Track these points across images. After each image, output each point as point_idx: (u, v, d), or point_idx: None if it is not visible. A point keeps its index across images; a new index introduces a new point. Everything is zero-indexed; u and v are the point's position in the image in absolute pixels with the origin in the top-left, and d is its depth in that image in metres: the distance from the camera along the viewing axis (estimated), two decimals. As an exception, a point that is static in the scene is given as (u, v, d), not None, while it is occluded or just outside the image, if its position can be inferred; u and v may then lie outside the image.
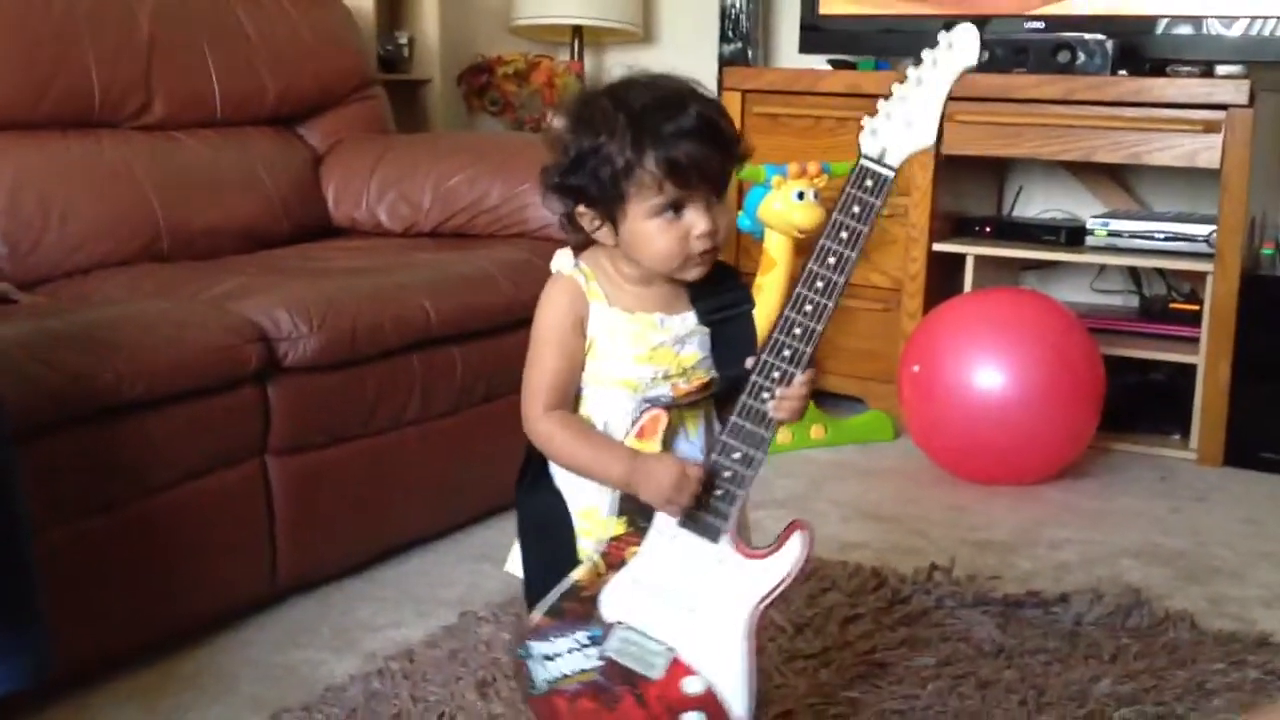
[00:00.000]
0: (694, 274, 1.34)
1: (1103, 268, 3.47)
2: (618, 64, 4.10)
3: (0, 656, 1.54)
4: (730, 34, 3.81)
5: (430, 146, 3.11)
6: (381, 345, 2.25)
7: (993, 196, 3.60)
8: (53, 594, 1.63)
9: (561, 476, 1.38)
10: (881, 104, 1.30)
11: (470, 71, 3.93)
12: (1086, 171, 3.48)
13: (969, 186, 3.44)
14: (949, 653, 1.97)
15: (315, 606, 2.15)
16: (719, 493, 1.31)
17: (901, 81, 1.30)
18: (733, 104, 3.48)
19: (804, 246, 3.18)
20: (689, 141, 1.27)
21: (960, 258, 3.23)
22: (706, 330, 1.38)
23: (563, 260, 1.38)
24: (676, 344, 1.36)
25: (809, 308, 1.30)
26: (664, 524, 1.33)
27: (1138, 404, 3.18)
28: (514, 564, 1.44)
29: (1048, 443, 2.80)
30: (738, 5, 3.79)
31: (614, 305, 1.35)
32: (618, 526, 1.34)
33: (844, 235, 1.30)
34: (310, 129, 3.05)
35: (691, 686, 1.34)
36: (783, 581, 1.33)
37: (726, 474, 1.31)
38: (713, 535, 1.32)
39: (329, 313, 2.17)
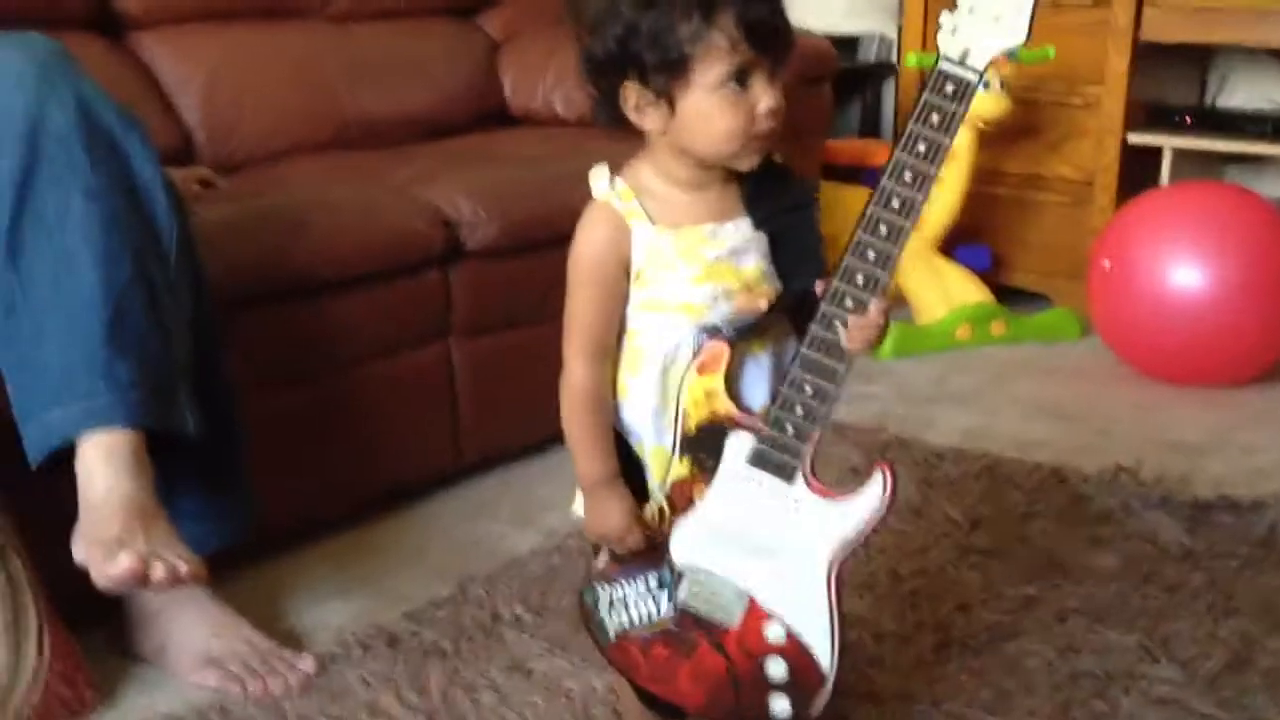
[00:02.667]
0: (750, 161, 1.22)
1: (1312, 161, 3.28)
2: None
3: (210, 516, 1.66)
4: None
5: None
6: (556, 232, 2.23)
7: (1194, 85, 3.42)
8: (257, 459, 1.74)
9: (630, 411, 1.28)
10: None
11: (649, -41, 3.88)
12: (1298, 60, 3.27)
13: (1167, 74, 3.27)
14: (1133, 553, 1.93)
15: (496, 483, 2.22)
16: (791, 429, 1.21)
17: None
18: (915, -14, 3.37)
19: (988, 138, 3.09)
20: (758, 2, 1.17)
21: (1156, 150, 3.09)
22: (765, 237, 1.25)
23: (596, 183, 1.26)
24: (733, 256, 1.24)
25: (884, 229, 1.16)
26: (734, 462, 1.24)
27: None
28: (580, 504, 1.35)
29: (1244, 343, 2.68)
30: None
31: (658, 223, 1.22)
32: (680, 468, 1.25)
33: (921, 148, 1.15)
34: (488, 19, 3.06)
35: (773, 632, 1.27)
36: (867, 523, 1.23)
37: (799, 408, 1.21)
38: (787, 475, 1.23)
39: (507, 200, 2.20)
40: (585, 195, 2.24)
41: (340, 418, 2.02)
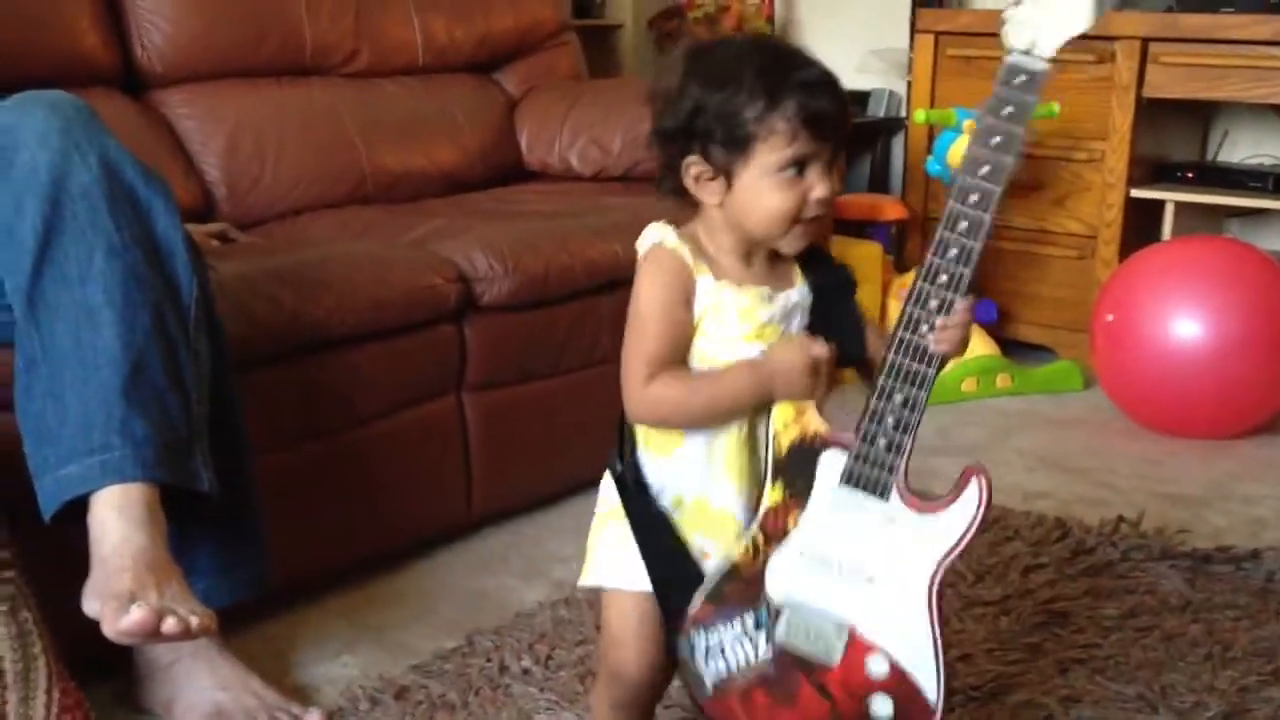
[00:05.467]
0: (796, 245, 1.26)
1: (1314, 216, 3.32)
2: (810, 6, 4.07)
3: (225, 569, 1.69)
4: (924, -27, 3.73)
5: (621, 91, 3.15)
6: (572, 286, 2.32)
7: (1196, 141, 3.47)
8: (271, 514, 1.76)
9: (673, 464, 1.29)
10: None
11: (661, 16, 3.96)
12: (1299, 116, 3.32)
13: (1171, 130, 3.32)
14: (1133, 605, 1.95)
15: (507, 536, 2.25)
16: (883, 443, 1.20)
17: None
18: (925, 46, 3.44)
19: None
20: (824, 94, 1.21)
21: (1159, 204, 3.13)
22: (808, 306, 1.29)
23: (661, 233, 1.28)
24: (784, 320, 1.28)
25: (964, 224, 1.16)
26: (828, 482, 1.22)
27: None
28: (596, 574, 1.34)
29: (1245, 396, 2.71)
30: (934, -55, 3.71)
31: (721, 279, 1.26)
32: (773, 495, 1.24)
33: (997, 139, 1.15)
34: (506, 75, 3.12)
35: (876, 666, 1.23)
36: (965, 535, 1.20)
37: (890, 420, 1.19)
38: (882, 491, 1.20)
39: (523, 255, 2.24)
40: (601, 249, 2.33)
41: (353, 472, 2.05)
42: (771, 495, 1.24)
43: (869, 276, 3.20)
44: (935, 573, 1.21)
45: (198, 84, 2.56)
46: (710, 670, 1.27)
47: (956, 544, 1.21)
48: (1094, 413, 2.94)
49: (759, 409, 1.26)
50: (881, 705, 1.24)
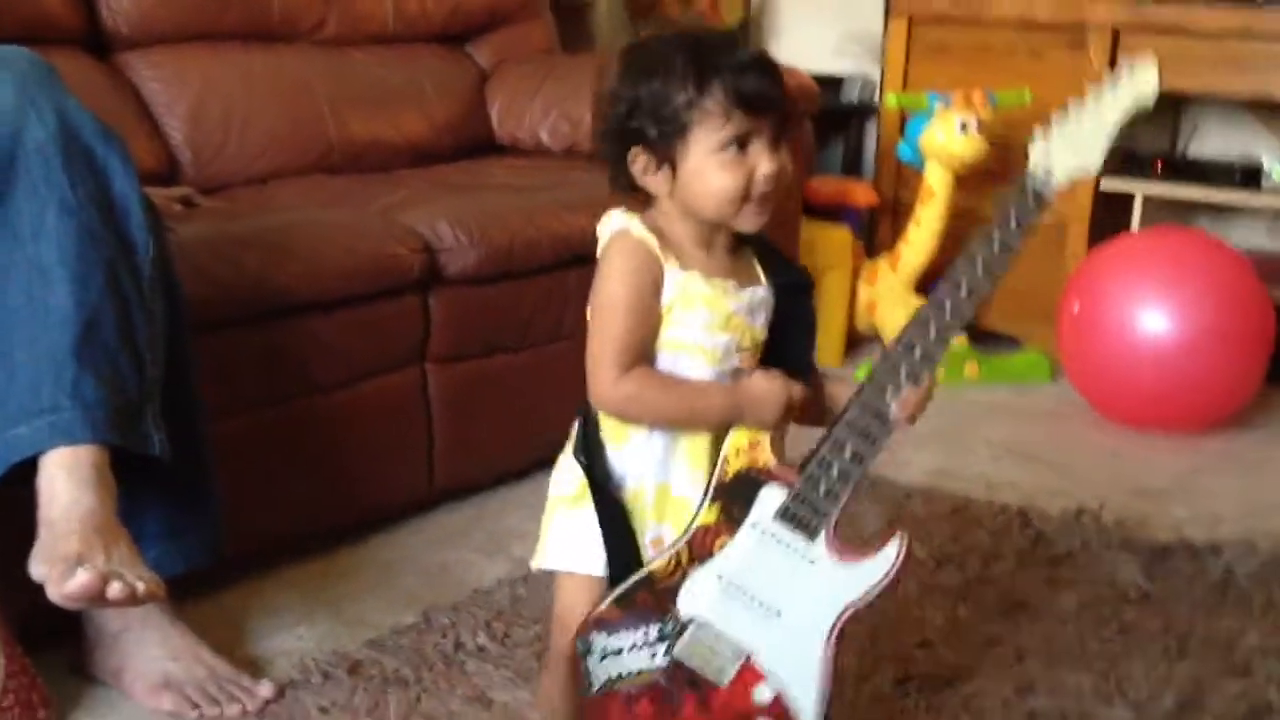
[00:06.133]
0: (752, 223, 1.27)
1: (1281, 212, 3.33)
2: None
3: (176, 535, 1.66)
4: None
5: (594, 67, 3.12)
6: (538, 261, 2.30)
7: (1166, 133, 3.47)
8: (227, 481, 1.74)
9: (630, 452, 1.30)
10: (1052, 123, 1.27)
11: (636, -7, 3.93)
12: (1267, 111, 3.32)
13: (1141, 122, 3.31)
14: (1091, 595, 1.95)
15: (469, 511, 2.23)
16: (823, 489, 1.23)
17: (1077, 102, 1.28)
18: (899, 30, 3.43)
19: (964, 179, 3.13)
20: (753, 73, 1.24)
21: (1129, 196, 3.13)
22: (771, 305, 1.32)
23: (626, 220, 1.28)
24: (749, 314, 1.30)
25: (948, 310, 1.24)
26: (763, 515, 1.25)
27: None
28: (550, 557, 1.34)
29: (1210, 390, 2.71)
30: (912, -71, 3.69)
31: (688, 268, 1.27)
32: (708, 515, 1.26)
33: (997, 248, 1.25)
34: (478, 47, 3.09)
35: (761, 695, 1.27)
36: (874, 589, 1.25)
37: (835, 469, 1.23)
38: (811, 533, 1.25)
39: (489, 227, 2.22)
40: (566, 222, 2.29)
41: (313, 441, 2.02)
42: (705, 515, 1.26)
43: (839, 261, 3.19)
44: (839, 619, 1.26)
45: (164, 47, 2.52)
46: (601, 670, 1.29)
47: (864, 595, 1.26)
48: (1060, 404, 2.94)
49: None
50: None
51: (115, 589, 1.34)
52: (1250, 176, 3.09)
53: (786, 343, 1.33)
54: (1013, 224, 1.25)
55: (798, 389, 1.26)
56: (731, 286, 1.28)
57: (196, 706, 1.60)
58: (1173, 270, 2.74)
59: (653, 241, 1.27)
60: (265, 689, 1.64)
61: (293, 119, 2.62)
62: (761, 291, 1.31)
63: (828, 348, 3.18)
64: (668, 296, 1.27)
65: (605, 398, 1.27)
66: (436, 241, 2.16)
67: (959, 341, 3.10)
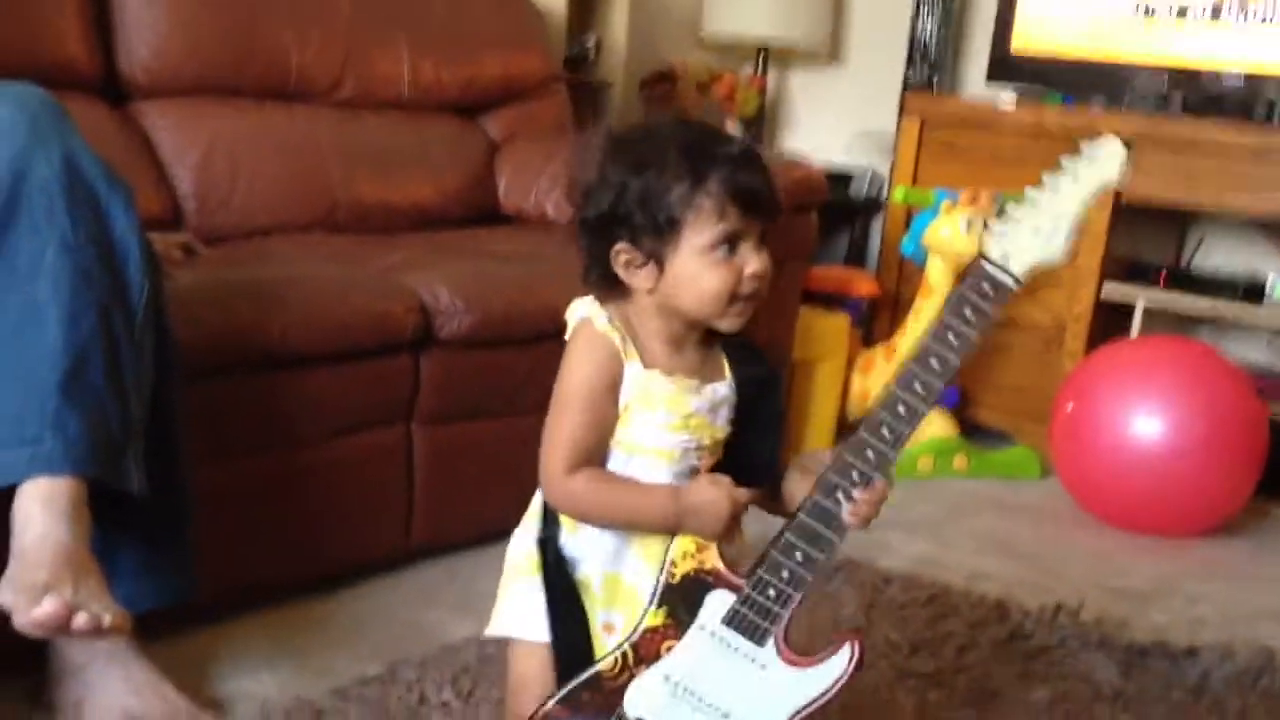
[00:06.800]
0: (734, 323, 1.26)
1: (1281, 328, 3.34)
2: (803, 83, 4.12)
3: (149, 573, 1.67)
4: (918, 59, 3.79)
5: (605, 146, 3.17)
6: (532, 330, 2.31)
7: (1172, 245, 3.50)
8: (204, 525, 1.75)
9: (582, 538, 1.29)
10: (1010, 207, 1.22)
11: (654, 78, 3.99)
12: (1275, 229, 3.35)
13: (1148, 232, 3.35)
14: (1064, 691, 1.94)
15: (443, 572, 2.23)
16: (772, 593, 1.22)
17: (1036, 187, 1.22)
18: (911, 129, 3.48)
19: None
20: (747, 167, 1.22)
21: (1129, 306, 3.15)
22: (734, 402, 1.30)
23: (591, 311, 1.27)
24: (711, 413, 1.28)
25: (901, 409, 1.20)
26: (710, 620, 1.23)
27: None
28: (503, 624, 1.35)
29: (1200, 497, 2.71)
30: (929, 31, 3.77)
31: (650, 367, 1.25)
32: (655, 617, 1.24)
33: (951, 338, 1.20)
34: (490, 120, 3.14)
35: None
36: (823, 695, 1.23)
37: (784, 573, 1.21)
38: (759, 638, 1.23)
39: (486, 293, 2.24)
40: (564, 294, 2.31)
41: (294, 492, 2.03)
42: (652, 618, 1.24)
43: (835, 349, 3.21)
44: None
45: (178, 98, 2.57)
46: None
47: (815, 700, 1.23)
48: (1048, 501, 2.93)
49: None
50: None
51: (81, 619, 1.35)
52: (1253, 291, 3.11)
53: (751, 437, 1.31)
54: (967, 314, 1.20)
55: (743, 496, 1.23)
56: (694, 385, 1.26)
57: (154, 742, 1.59)
58: (1169, 378, 2.75)
59: (615, 336, 1.25)
60: (224, 731, 1.64)
61: (299, 176, 2.65)
62: (724, 389, 1.29)
63: (819, 434, 3.19)
64: (626, 395, 1.25)
65: (552, 491, 1.27)
66: (433, 303, 2.18)
67: (950, 433, 3.11)
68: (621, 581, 1.28)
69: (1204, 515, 2.75)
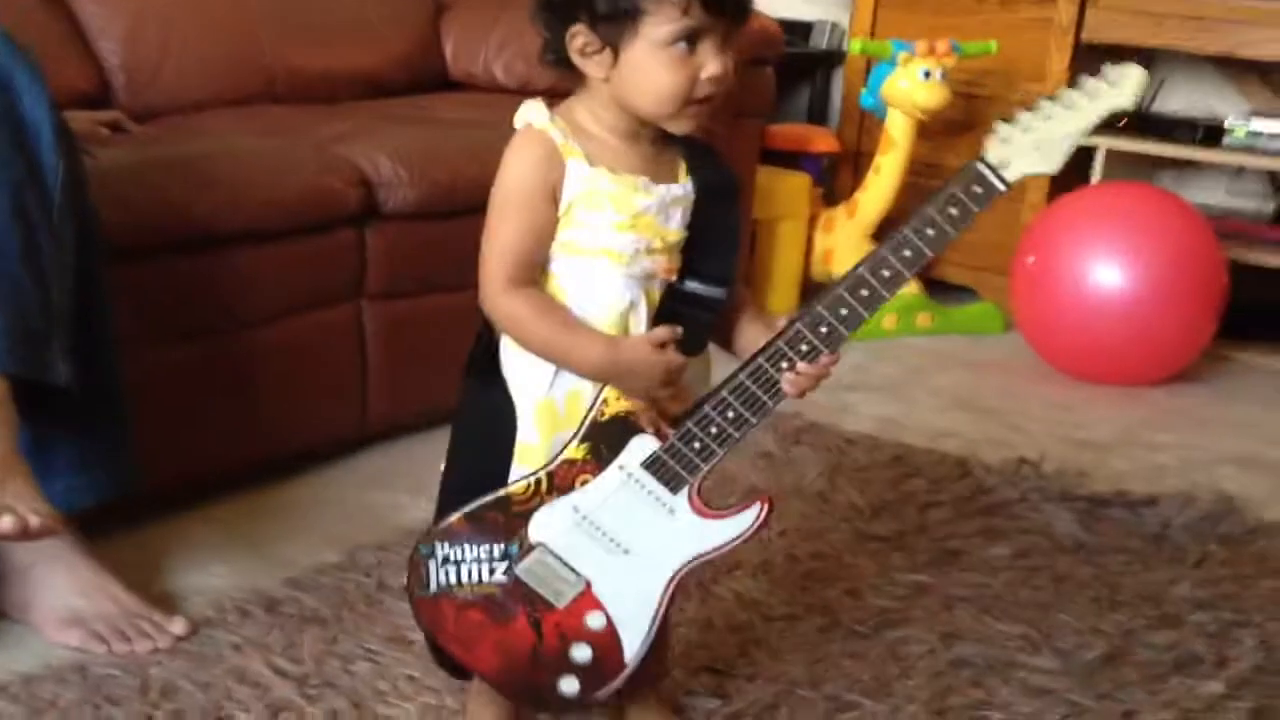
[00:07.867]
0: (686, 125, 1.21)
1: (1240, 170, 3.30)
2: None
3: (85, 468, 1.62)
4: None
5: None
6: (483, 199, 2.21)
7: (1133, 88, 3.43)
8: (146, 415, 1.70)
9: (517, 367, 1.25)
10: (1020, 114, 1.20)
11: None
12: (1235, 70, 3.28)
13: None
14: (1026, 545, 1.94)
15: (399, 454, 2.19)
16: (697, 445, 1.22)
17: (1052, 98, 1.20)
18: (867, -25, 3.37)
19: (927, 128, 3.09)
20: None
21: (1090, 150, 3.10)
22: (690, 207, 1.25)
23: (534, 112, 1.22)
24: (662, 213, 1.23)
25: (865, 292, 1.20)
26: (630, 461, 1.23)
27: (1265, 314, 3.05)
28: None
29: (1160, 344, 2.70)
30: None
31: (596, 164, 1.20)
32: (576, 451, 1.23)
33: (930, 232, 1.19)
34: (433, -21, 3.02)
35: (594, 620, 1.27)
36: (723, 546, 1.26)
37: (713, 429, 1.21)
38: (676, 486, 1.24)
39: (431, 163, 2.17)
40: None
41: (241, 375, 1.98)
42: (574, 450, 1.23)
43: (797, 209, 3.16)
44: (684, 565, 1.27)
45: (100, -35, 2.44)
46: (438, 576, 1.27)
47: (713, 550, 1.26)
48: (1011, 355, 2.92)
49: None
50: (581, 652, 1.28)
51: (6, 522, 1.31)
52: (1212, 134, 3.06)
53: (707, 249, 1.26)
54: (952, 212, 1.19)
55: (678, 362, 1.21)
56: (643, 183, 1.22)
57: (105, 642, 1.56)
58: (1127, 225, 2.72)
59: (556, 134, 1.20)
60: (177, 625, 1.60)
61: (234, 45, 2.54)
62: (678, 189, 1.24)
63: (782, 294, 3.15)
64: (569, 194, 1.20)
65: (490, 305, 1.23)
66: (374, 175, 2.11)
67: (913, 291, 3.07)
68: (581, 397, 1.24)
69: (1164, 362, 2.74)
